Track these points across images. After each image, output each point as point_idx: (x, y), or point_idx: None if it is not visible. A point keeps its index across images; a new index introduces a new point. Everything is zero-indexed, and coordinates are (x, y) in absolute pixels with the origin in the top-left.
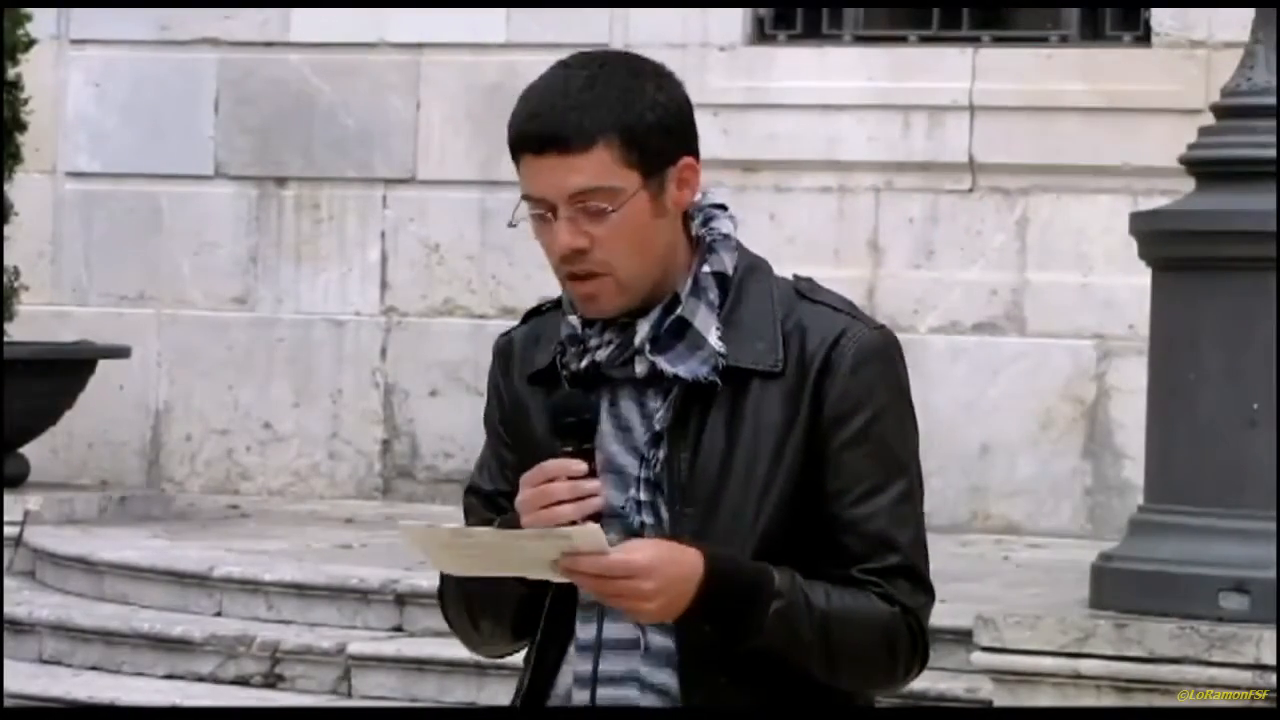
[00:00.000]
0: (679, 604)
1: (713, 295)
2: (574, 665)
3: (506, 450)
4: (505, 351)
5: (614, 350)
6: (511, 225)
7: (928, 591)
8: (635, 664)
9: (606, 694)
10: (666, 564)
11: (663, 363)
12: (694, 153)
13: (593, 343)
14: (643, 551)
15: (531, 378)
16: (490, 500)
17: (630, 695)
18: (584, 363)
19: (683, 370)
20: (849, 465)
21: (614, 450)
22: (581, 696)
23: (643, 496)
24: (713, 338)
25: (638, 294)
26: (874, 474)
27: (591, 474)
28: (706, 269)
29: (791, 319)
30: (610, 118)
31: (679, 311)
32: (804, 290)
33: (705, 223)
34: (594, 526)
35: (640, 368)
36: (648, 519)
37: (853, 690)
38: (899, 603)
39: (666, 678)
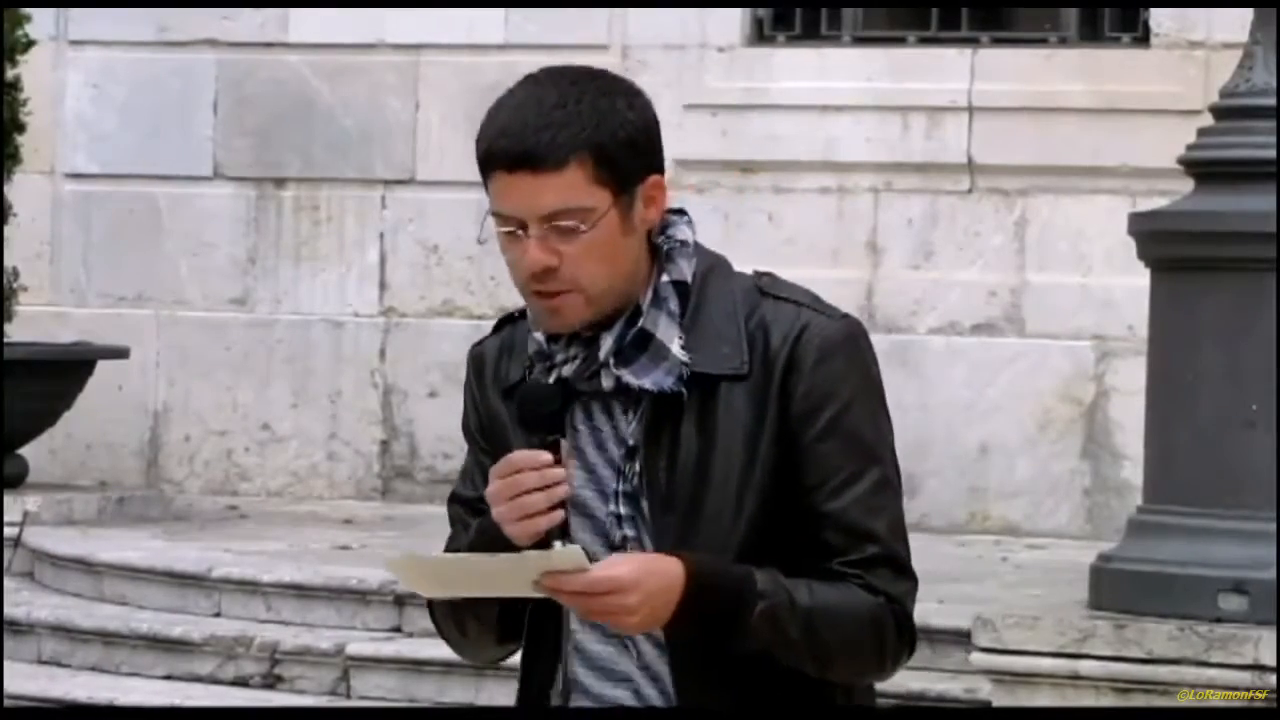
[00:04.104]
0: (662, 614)
1: (673, 305)
2: (571, 668)
3: (486, 458)
4: (478, 361)
5: (579, 365)
6: (480, 241)
7: (910, 578)
8: (629, 664)
9: (604, 694)
10: (648, 576)
11: (628, 376)
12: (661, 170)
13: (559, 357)
14: (624, 566)
15: (506, 392)
16: (473, 507)
17: (623, 696)
18: (551, 378)
19: (648, 382)
20: (821, 459)
21: (592, 463)
22: (581, 700)
23: (623, 510)
24: (675, 347)
25: (602, 309)
26: (846, 466)
27: (557, 463)
28: (665, 278)
29: (754, 318)
30: (583, 136)
31: (641, 323)
32: (765, 287)
33: (663, 230)
34: (574, 547)
35: (606, 381)
36: (629, 531)
37: (845, 682)
38: (882, 592)
39: (658, 680)
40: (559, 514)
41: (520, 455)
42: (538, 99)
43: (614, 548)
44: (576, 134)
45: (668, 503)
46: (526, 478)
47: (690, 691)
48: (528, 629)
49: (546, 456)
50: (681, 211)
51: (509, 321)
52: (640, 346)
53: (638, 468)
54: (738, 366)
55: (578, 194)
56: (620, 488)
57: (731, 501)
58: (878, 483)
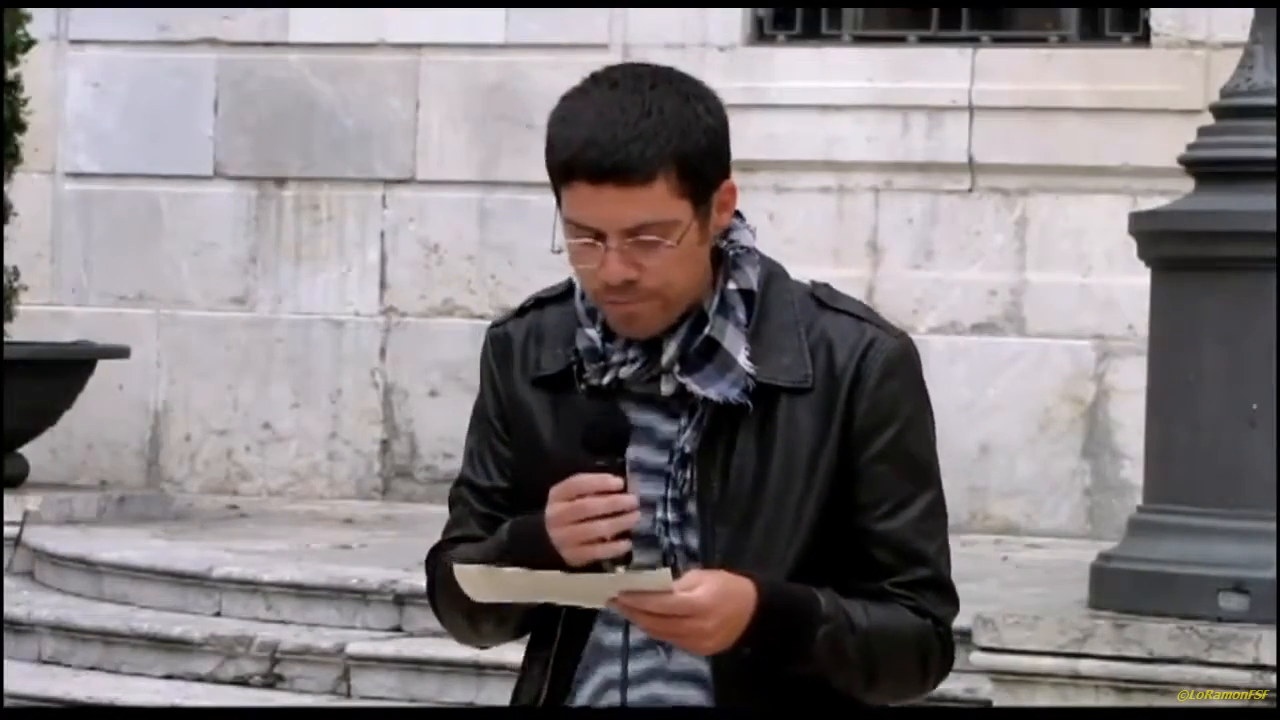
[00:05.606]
0: (734, 636)
1: (740, 313)
2: (599, 670)
3: (502, 445)
4: (503, 344)
5: (639, 368)
6: (555, 252)
7: (954, 601)
8: (662, 662)
9: (635, 695)
10: (725, 600)
11: (692, 385)
12: (729, 173)
13: (615, 358)
14: (703, 589)
15: (536, 381)
16: (486, 496)
17: (658, 692)
18: (607, 379)
19: (713, 393)
20: (878, 478)
21: (640, 466)
22: (612, 697)
23: (671, 517)
24: (742, 358)
25: (676, 314)
26: (903, 487)
27: (624, 490)
28: (732, 286)
29: (815, 330)
30: (670, 148)
31: (708, 331)
32: (823, 298)
33: (725, 234)
34: (664, 571)
35: (667, 387)
36: (675, 539)
37: (887, 701)
38: (930, 614)
39: (693, 690)
40: (624, 544)
41: (586, 479)
42: (620, 105)
43: (660, 555)
44: (664, 146)
45: (720, 513)
46: (594, 503)
47: (730, 699)
48: (561, 630)
49: (617, 482)
50: (739, 214)
51: (534, 306)
52: (706, 355)
53: (690, 477)
54: (802, 380)
55: (663, 208)
56: (670, 494)
57: (788, 517)
58: (930, 506)
